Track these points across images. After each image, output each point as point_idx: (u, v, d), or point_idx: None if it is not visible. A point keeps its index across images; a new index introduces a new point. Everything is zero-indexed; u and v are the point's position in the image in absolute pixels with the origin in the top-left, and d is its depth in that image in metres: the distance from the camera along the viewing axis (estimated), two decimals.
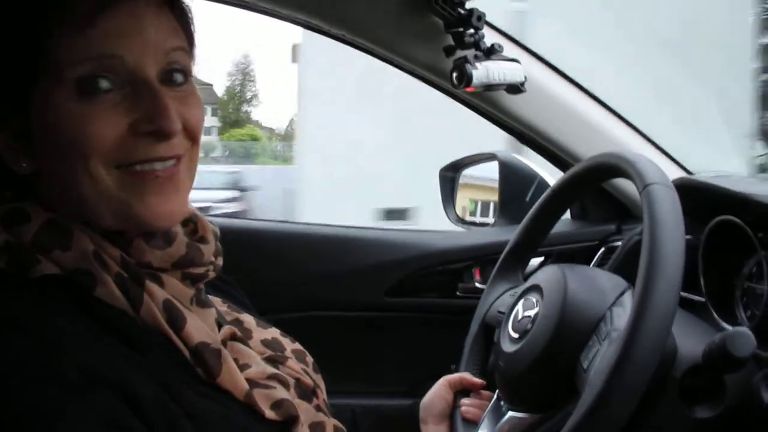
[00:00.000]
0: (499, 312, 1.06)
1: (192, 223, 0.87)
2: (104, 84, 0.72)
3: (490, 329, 1.09)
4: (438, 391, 1.06)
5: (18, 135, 0.75)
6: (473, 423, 0.98)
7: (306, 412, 0.88)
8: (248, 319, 0.94)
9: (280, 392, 0.83)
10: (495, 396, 0.98)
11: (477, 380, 1.05)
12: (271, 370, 0.86)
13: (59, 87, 0.71)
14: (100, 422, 0.63)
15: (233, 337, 0.86)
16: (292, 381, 0.89)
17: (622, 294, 0.87)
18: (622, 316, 0.82)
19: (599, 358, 0.79)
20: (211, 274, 0.84)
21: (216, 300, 0.92)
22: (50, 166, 0.75)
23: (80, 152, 0.71)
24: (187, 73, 0.78)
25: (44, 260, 0.73)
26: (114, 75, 0.72)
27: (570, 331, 0.85)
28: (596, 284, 0.89)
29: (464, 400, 1.03)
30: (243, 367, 0.82)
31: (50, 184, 0.76)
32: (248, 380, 0.81)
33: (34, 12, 0.72)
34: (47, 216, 0.74)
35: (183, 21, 0.81)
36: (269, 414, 0.80)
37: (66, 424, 0.62)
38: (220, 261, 0.87)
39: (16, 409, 0.61)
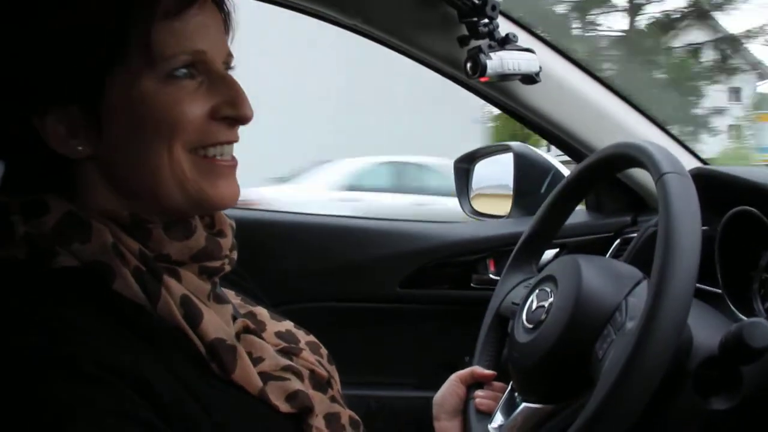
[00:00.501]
0: (513, 303, 1.06)
1: (208, 217, 0.87)
2: (187, 70, 0.76)
3: (504, 320, 1.08)
4: (450, 387, 1.05)
5: (75, 117, 0.74)
6: (487, 414, 0.98)
7: (321, 403, 0.88)
8: (262, 312, 0.94)
9: (295, 384, 0.83)
10: (509, 387, 0.97)
11: (488, 372, 1.05)
12: (284, 361, 0.86)
13: (151, 73, 0.73)
14: (114, 413, 0.63)
15: (247, 330, 0.86)
16: (306, 372, 0.89)
17: (637, 284, 0.86)
18: (637, 306, 0.82)
19: (614, 348, 0.79)
20: (227, 268, 0.85)
21: (229, 293, 0.92)
22: (119, 149, 0.75)
23: (165, 134, 0.74)
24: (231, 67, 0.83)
25: (63, 252, 0.73)
26: (194, 62, 0.76)
27: (584, 321, 0.84)
28: (611, 274, 0.89)
29: (478, 392, 1.02)
30: (257, 360, 0.82)
31: (109, 168, 0.77)
32: (262, 373, 0.81)
33: (121, 3, 0.73)
34: (67, 208, 0.75)
35: (226, 18, 0.83)
36: (284, 407, 0.80)
37: (80, 414, 0.62)
38: (234, 255, 0.87)
39: (31, 399, 0.62)
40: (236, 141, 0.81)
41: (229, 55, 0.82)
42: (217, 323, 0.79)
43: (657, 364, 0.71)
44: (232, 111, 0.78)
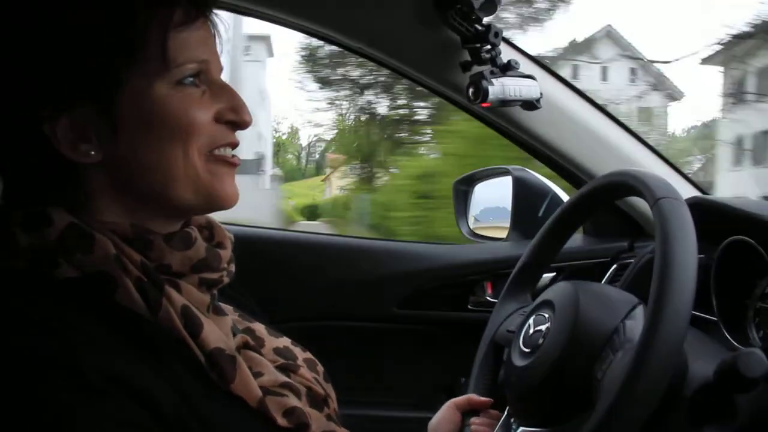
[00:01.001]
0: (509, 331, 1.06)
1: (207, 230, 0.88)
2: (194, 78, 0.80)
3: (500, 349, 1.09)
4: (445, 414, 1.05)
5: (85, 121, 0.75)
6: None
7: (317, 420, 0.89)
8: (260, 328, 0.95)
9: (292, 400, 0.84)
10: (505, 413, 0.98)
11: (484, 399, 1.05)
12: (283, 378, 0.86)
13: (160, 79, 0.76)
14: (113, 422, 0.64)
15: (246, 346, 0.87)
16: (303, 390, 0.89)
17: (633, 308, 0.87)
18: (635, 329, 0.83)
19: (613, 368, 0.79)
20: (225, 280, 0.86)
21: (228, 308, 0.93)
22: (132, 152, 0.77)
23: (180, 138, 0.78)
24: None
25: (65, 263, 0.74)
26: (200, 70, 0.80)
27: (582, 345, 0.85)
28: (608, 300, 0.89)
29: (473, 419, 1.02)
30: (256, 375, 0.83)
31: (118, 172, 0.78)
32: (261, 387, 0.81)
33: (141, 13, 0.76)
34: (70, 219, 0.75)
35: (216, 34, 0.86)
36: (281, 421, 0.81)
37: (79, 418, 0.62)
38: (232, 267, 0.88)
39: (35, 408, 0.62)
40: (238, 144, 0.84)
41: (221, 69, 0.85)
42: (217, 334, 0.80)
43: (657, 379, 0.72)
44: (235, 116, 0.82)
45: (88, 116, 0.75)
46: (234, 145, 0.83)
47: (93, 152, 0.76)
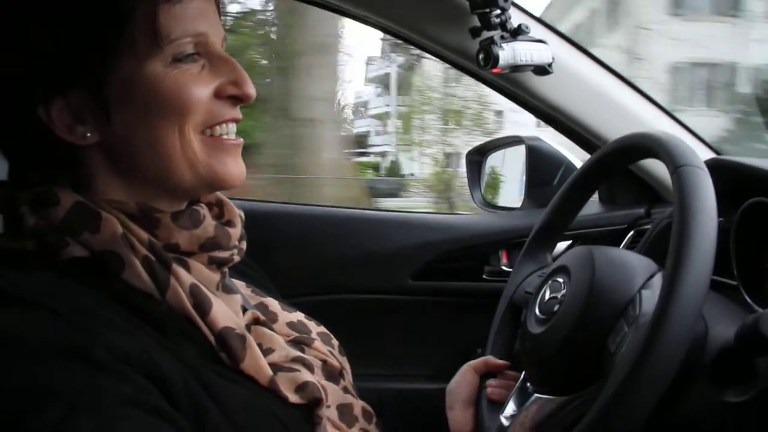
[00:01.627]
0: (527, 292, 1.05)
1: (217, 207, 0.87)
2: (191, 53, 0.77)
3: (518, 310, 1.08)
4: (463, 377, 1.05)
5: (80, 104, 0.74)
6: (499, 404, 0.98)
7: (334, 393, 0.88)
8: (273, 303, 0.94)
9: (305, 375, 0.83)
10: (521, 377, 0.97)
11: (501, 362, 1.05)
12: (294, 353, 0.86)
13: (157, 57, 0.74)
14: (125, 400, 0.63)
15: (257, 321, 0.86)
16: (318, 363, 0.89)
17: (651, 276, 0.86)
18: (651, 300, 0.81)
19: (626, 343, 0.78)
20: (236, 258, 0.85)
21: (240, 284, 0.92)
22: (128, 133, 0.75)
23: (175, 117, 0.75)
24: None
25: (73, 243, 0.73)
26: (197, 45, 0.78)
27: (597, 314, 0.84)
28: (625, 266, 0.88)
29: (490, 381, 1.02)
30: (266, 352, 0.82)
31: (117, 153, 0.77)
32: (272, 364, 0.81)
33: None
34: (76, 198, 0.75)
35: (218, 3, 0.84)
36: (293, 398, 0.80)
37: (90, 400, 0.62)
38: (244, 245, 0.87)
39: (43, 384, 0.61)
40: (240, 119, 0.82)
41: (224, 38, 0.83)
42: (226, 313, 0.79)
43: (669, 361, 0.70)
44: (236, 90, 0.79)
45: (81, 98, 0.74)
46: (235, 120, 0.81)
47: (89, 134, 0.75)
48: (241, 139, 0.83)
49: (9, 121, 0.76)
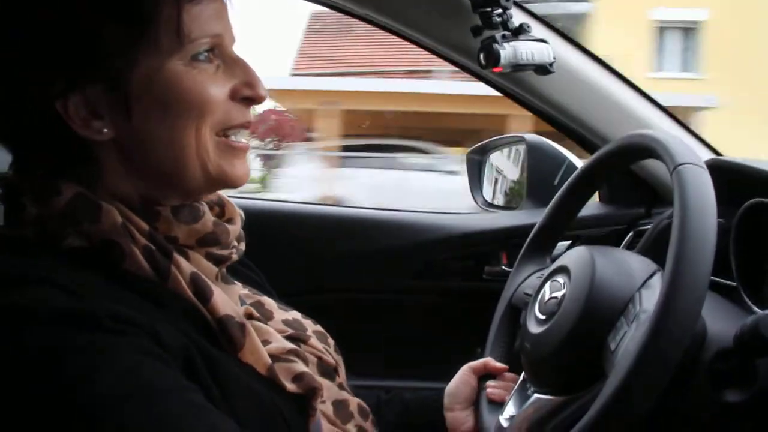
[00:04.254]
0: (526, 293, 1.05)
1: (218, 207, 0.88)
2: (209, 53, 0.79)
3: (517, 311, 1.08)
4: (462, 378, 1.05)
5: (97, 98, 0.74)
6: (498, 405, 0.98)
7: (329, 389, 0.89)
8: (269, 301, 0.95)
9: (300, 366, 0.84)
10: (521, 378, 0.97)
11: (500, 365, 1.04)
12: (290, 345, 0.87)
13: (174, 55, 0.75)
14: (138, 352, 0.66)
15: (250, 317, 0.87)
16: (314, 359, 0.89)
17: (651, 276, 0.86)
18: (651, 299, 0.81)
19: (627, 341, 0.78)
20: (234, 257, 0.86)
21: (237, 284, 0.93)
22: (145, 130, 0.76)
23: (194, 116, 0.77)
24: None
25: (73, 233, 0.74)
26: (214, 46, 0.79)
27: (597, 313, 0.83)
28: (625, 266, 0.88)
29: (490, 382, 1.02)
30: (263, 343, 0.83)
31: (130, 149, 0.77)
32: (269, 355, 0.82)
33: None
34: (77, 189, 0.75)
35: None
36: (290, 387, 0.81)
37: (107, 351, 0.64)
38: (242, 246, 0.88)
39: (58, 345, 0.63)
40: (251, 123, 0.84)
41: (235, 41, 0.84)
42: (226, 301, 0.80)
43: (670, 357, 0.70)
44: (250, 92, 0.81)
45: (100, 94, 0.74)
46: (248, 125, 0.83)
47: (105, 130, 0.76)
48: (249, 144, 0.85)
49: (26, 112, 0.76)
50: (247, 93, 0.81)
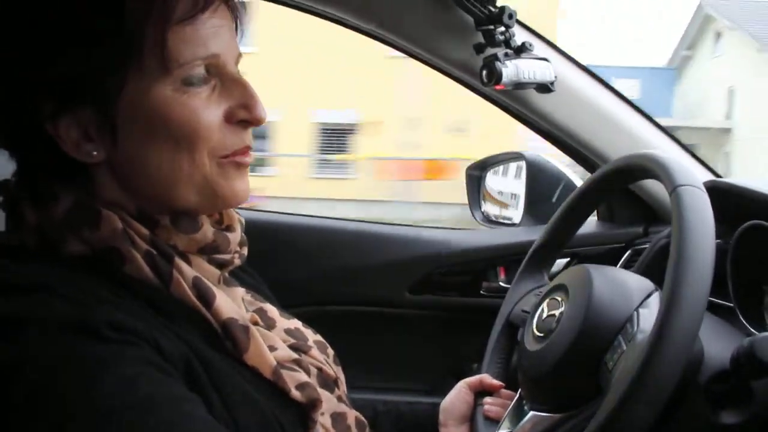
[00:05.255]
0: (524, 311, 1.06)
1: (217, 214, 0.87)
2: (202, 76, 0.75)
3: (514, 328, 1.08)
4: (458, 394, 1.05)
5: (87, 122, 0.74)
6: (494, 422, 0.98)
7: (328, 401, 0.89)
8: (271, 309, 0.95)
9: (303, 376, 0.84)
10: (517, 395, 0.97)
11: (496, 382, 1.04)
12: (294, 355, 0.87)
13: (165, 79, 0.73)
14: (138, 362, 0.65)
15: (255, 325, 0.86)
16: (314, 371, 0.89)
17: (648, 296, 0.86)
18: (648, 318, 0.81)
19: (625, 360, 0.78)
20: (237, 262, 0.86)
21: (239, 290, 0.93)
22: (134, 154, 0.75)
23: (186, 142, 0.75)
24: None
25: (73, 239, 0.74)
26: (209, 67, 0.76)
27: (595, 331, 0.84)
28: (623, 285, 0.88)
29: (486, 399, 1.02)
30: (269, 349, 0.83)
31: (122, 171, 0.77)
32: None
33: (135, 6, 0.72)
34: (76, 196, 0.75)
35: (237, 21, 0.83)
36: (294, 394, 0.81)
37: (105, 363, 0.64)
38: (245, 251, 0.88)
39: (54, 357, 0.63)
40: (251, 149, 0.81)
41: (240, 55, 0.81)
42: (229, 304, 0.80)
43: (667, 377, 0.70)
44: (247, 114, 0.78)
45: (90, 116, 0.74)
46: (247, 150, 0.80)
47: (95, 152, 0.75)
48: (251, 158, 0.81)
49: (19, 133, 0.76)
50: (243, 116, 0.78)
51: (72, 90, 0.73)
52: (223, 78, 0.77)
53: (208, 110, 0.75)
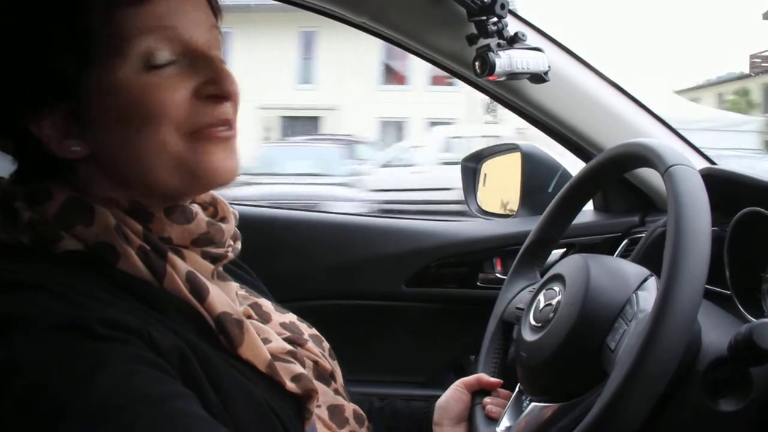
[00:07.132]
0: (518, 309, 1.05)
1: (212, 207, 0.88)
2: (165, 56, 0.74)
3: (509, 327, 1.08)
4: (454, 393, 1.04)
5: (64, 119, 0.74)
6: (494, 421, 0.97)
7: (324, 394, 0.89)
8: (266, 303, 0.95)
9: (298, 368, 0.84)
10: (516, 390, 0.97)
11: (494, 380, 1.04)
12: (289, 347, 0.86)
13: (124, 64, 0.73)
14: (132, 359, 0.65)
15: (249, 318, 0.86)
16: (310, 363, 0.89)
17: (645, 280, 0.86)
18: (648, 299, 0.82)
19: (627, 338, 0.78)
20: (230, 255, 0.85)
21: (234, 285, 0.92)
22: (111, 143, 0.75)
23: (152, 123, 0.74)
24: (220, 47, 0.81)
25: (67, 236, 0.74)
26: (171, 46, 0.75)
27: (594, 316, 0.84)
28: (619, 271, 0.88)
29: (487, 399, 1.01)
30: (263, 342, 0.82)
31: (106, 163, 0.77)
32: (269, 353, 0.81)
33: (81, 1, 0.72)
34: (70, 194, 0.75)
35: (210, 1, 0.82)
36: (290, 386, 0.81)
37: (100, 362, 0.63)
38: (238, 245, 0.88)
39: (47, 355, 0.63)
40: (229, 120, 0.79)
41: (216, 39, 0.80)
42: (223, 298, 0.80)
43: (673, 349, 0.70)
44: (215, 89, 0.76)
45: (67, 114, 0.74)
46: (223, 122, 0.78)
47: (77, 148, 0.75)
48: (234, 131, 0.79)
49: (7, 136, 0.77)
50: (212, 91, 0.76)
51: (40, 91, 0.73)
52: (193, 56, 0.76)
53: (172, 88, 0.74)
